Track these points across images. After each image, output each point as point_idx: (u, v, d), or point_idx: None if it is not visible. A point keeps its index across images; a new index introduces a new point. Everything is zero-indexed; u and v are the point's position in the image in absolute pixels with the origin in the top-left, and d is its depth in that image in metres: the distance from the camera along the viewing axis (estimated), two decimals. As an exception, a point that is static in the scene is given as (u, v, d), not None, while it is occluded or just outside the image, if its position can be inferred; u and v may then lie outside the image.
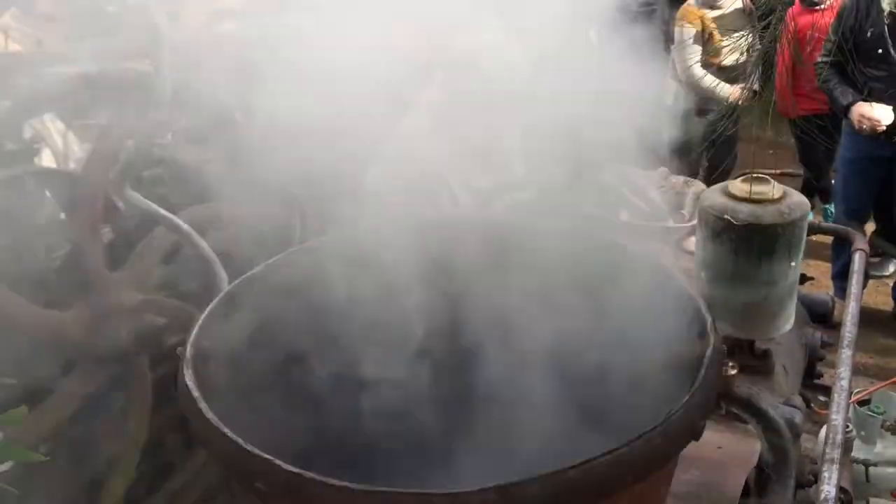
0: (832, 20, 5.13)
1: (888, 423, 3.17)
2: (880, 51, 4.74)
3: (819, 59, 5.08)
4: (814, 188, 6.42)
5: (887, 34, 4.74)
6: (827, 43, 5.03)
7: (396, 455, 1.42)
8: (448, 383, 1.36)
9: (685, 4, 6.05)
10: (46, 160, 3.90)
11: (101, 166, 2.24)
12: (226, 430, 1.07)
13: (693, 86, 5.69)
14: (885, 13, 4.73)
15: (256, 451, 1.03)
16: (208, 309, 1.33)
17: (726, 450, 1.91)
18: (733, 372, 2.04)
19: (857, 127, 4.84)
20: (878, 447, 3.13)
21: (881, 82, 4.87)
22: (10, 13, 7.42)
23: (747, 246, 1.97)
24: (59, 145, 5.27)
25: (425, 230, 1.50)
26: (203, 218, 2.45)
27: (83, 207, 2.19)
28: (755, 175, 2.08)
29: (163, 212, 2.25)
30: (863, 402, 3.31)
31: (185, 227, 2.25)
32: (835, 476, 1.30)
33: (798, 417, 2.06)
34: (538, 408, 1.36)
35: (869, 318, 5.19)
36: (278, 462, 1.01)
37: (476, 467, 1.02)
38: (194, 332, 1.25)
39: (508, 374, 1.38)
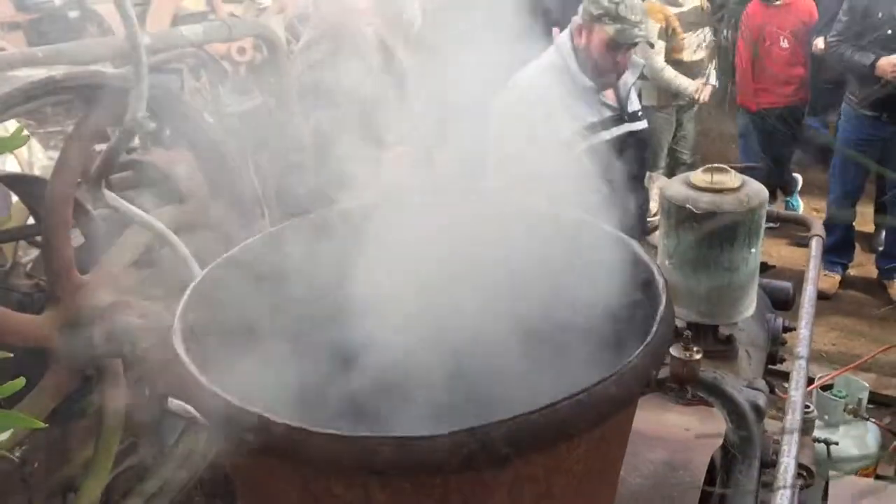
0: (840, 3, 5.21)
1: (850, 407, 3.25)
2: (890, 31, 4.85)
3: (831, 38, 5.17)
4: (776, 181, 6.54)
5: None
6: (838, 24, 5.13)
7: (380, 411, 1.51)
8: (427, 345, 1.44)
9: (648, 1, 6.15)
10: (11, 168, 3.88)
11: (70, 169, 2.24)
12: (216, 390, 1.14)
13: (655, 79, 5.77)
14: None
15: (246, 406, 1.10)
16: (192, 285, 1.39)
17: (693, 431, 1.97)
18: (698, 356, 2.11)
19: (890, 76, 4.84)
20: (841, 430, 3.22)
21: None
22: (-30, 21, 7.30)
23: (708, 233, 2.03)
24: (23, 153, 5.23)
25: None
26: (172, 220, 2.46)
27: (53, 211, 2.19)
28: (715, 166, 2.14)
29: (138, 211, 2.26)
30: (826, 388, 3.40)
31: (160, 225, 2.26)
32: (794, 448, 1.36)
33: (761, 400, 2.12)
34: (512, 364, 1.45)
35: (833, 306, 5.32)
36: (266, 415, 1.08)
37: (453, 417, 1.09)
38: (180, 307, 1.31)
39: (484, 337, 1.47)
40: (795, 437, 1.34)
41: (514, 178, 2.86)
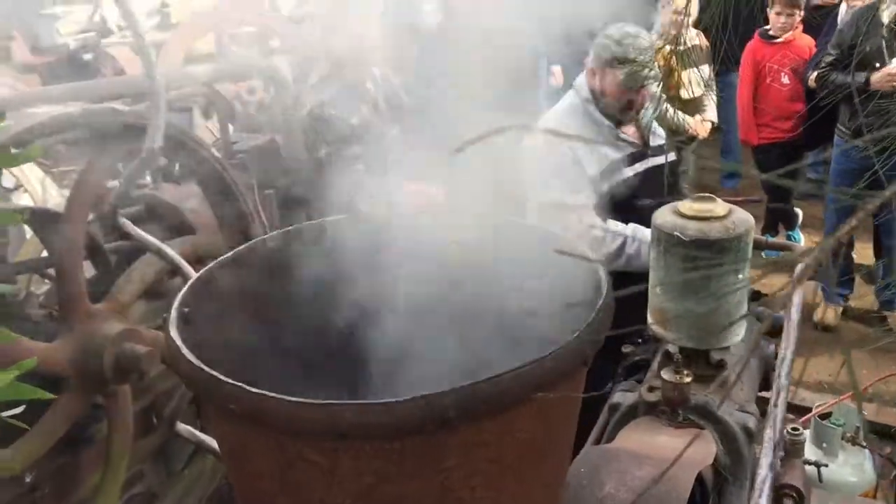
0: (831, 39, 5.31)
1: (848, 435, 3.28)
2: (878, 64, 4.93)
3: (821, 69, 5.25)
4: (777, 215, 6.60)
5: (884, 47, 4.93)
6: (827, 56, 5.22)
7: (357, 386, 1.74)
8: (403, 330, 1.66)
9: (651, 38, 6.26)
10: (25, 204, 3.99)
11: (83, 203, 2.33)
12: (203, 366, 1.31)
13: (658, 118, 5.85)
14: (884, 27, 4.92)
15: (228, 379, 1.26)
16: (189, 283, 1.55)
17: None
18: (688, 380, 2.16)
19: (886, 87, 4.88)
20: (840, 458, 3.25)
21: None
22: (-13, 63, 7.50)
23: (696, 260, 2.09)
24: (38, 191, 5.36)
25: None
26: (182, 251, 2.55)
27: (66, 243, 2.28)
28: (703, 195, 2.21)
29: (152, 239, 2.36)
30: (825, 416, 3.43)
31: (173, 254, 2.34)
32: (769, 457, 1.41)
33: (752, 423, 2.18)
34: (473, 350, 1.66)
35: (834, 337, 5.35)
36: (244, 386, 1.24)
37: (417, 389, 1.23)
38: (177, 300, 1.50)
39: (450, 326, 1.68)
40: (770, 445, 1.39)
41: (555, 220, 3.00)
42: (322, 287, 1.67)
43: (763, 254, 5.70)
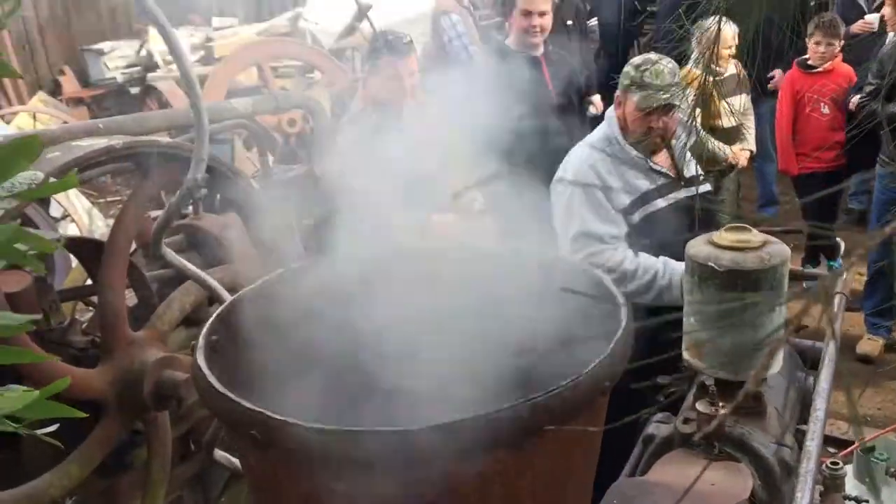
0: (872, 64, 5.29)
1: (893, 469, 3.20)
2: None
3: (862, 97, 5.23)
4: (819, 245, 6.50)
5: None
6: (868, 86, 5.20)
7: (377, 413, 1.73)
8: (426, 357, 1.64)
9: (686, 68, 6.25)
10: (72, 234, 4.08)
11: (126, 233, 2.39)
12: (227, 392, 1.34)
13: (694, 147, 5.83)
14: None
15: (250, 405, 1.29)
16: (216, 313, 1.57)
17: (719, 486, 1.99)
18: (724, 412, 2.14)
19: None
20: (884, 492, 3.17)
21: None
22: (38, 97, 7.77)
23: (730, 291, 2.08)
24: (84, 221, 5.49)
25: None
26: (222, 279, 2.59)
27: (108, 272, 2.33)
28: (737, 225, 2.20)
29: (192, 268, 2.41)
30: (869, 450, 3.36)
31: (211, 281, 2.39)
32: (807, 492, 1.39)
33: (789, 456, 2.14)
34: (500, 380, 1.65)
35: (877, 369, 5.24)
36: (266, 412, 1.26)
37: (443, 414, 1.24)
38: (205, 328, 1.55)
39: (479, 357, 1.68)
40: (809, 482, 1.38)
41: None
42: (348, 315, 1.68)
43: (805, 284, 5.64)
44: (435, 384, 1.56)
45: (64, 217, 5.14)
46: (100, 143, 2.27)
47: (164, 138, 2.67)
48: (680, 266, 2.99)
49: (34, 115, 6.65)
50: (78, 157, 2.17)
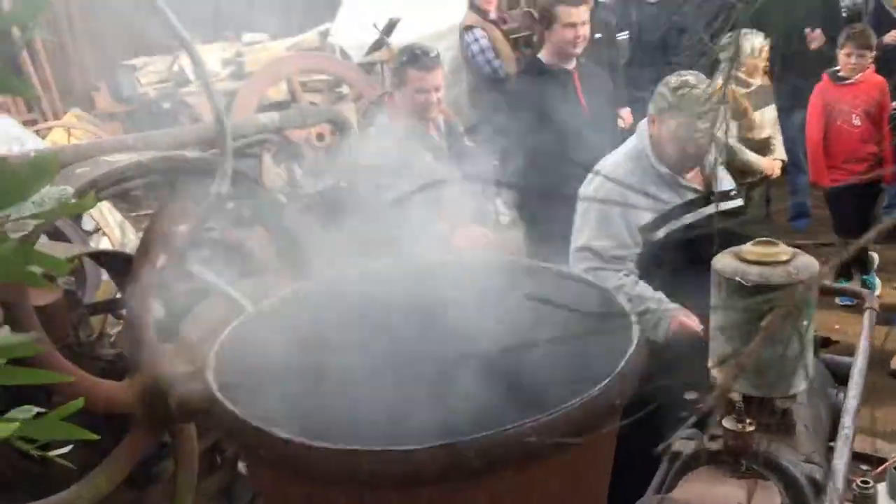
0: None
1: (927, 488, 3.14)
2: None
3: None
4: (852, 259, 6.41)
5: None
6: None
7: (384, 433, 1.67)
8: (438, 378, 1.61)
9: (717, 84, 6.22)
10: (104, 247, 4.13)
11: (154, 246, 2.42)
12: (234, 410, 1.34)
13: (732, 160, 5.78)
14: None
15: (258, 423, 1.28)
16: (225, 332, 1.56)
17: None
18: (751, 429, 2.11)
19: None
20: (919, 512, 3.11)
21: None
22: (72, 112, 7.89)
23: (757, 306, 2.05)
24: (116, 234, 5.56)
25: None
26: (247, 292, 2.61)
27: (136, 285, 2.36)
28: (765, 239, 2.18)
29: (219, 282, 2.42)
30: (902, 469, 3.29)
31: (237, 295, 2.41)
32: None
33: (819, 474, 2.10)
34: (504, 397, 1.67)
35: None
36: (270, 430, 1.27)
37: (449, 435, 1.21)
38: (215, 349, 1.49)
39: (493, 374, 1.69)
40: (836, 501, 1.35)
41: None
42: (363, 330, 1.68)
43: (837, 299, 5.56)
44: (446, 402, 1.56)
45: (96, 230, 5.20)
46: (129, 158, 2.31)
47: (192, 153, 2.70)
48: (672, 307, 2.98)
49: (68, 131, 6.75)
50: (107, 173, 2.20)
